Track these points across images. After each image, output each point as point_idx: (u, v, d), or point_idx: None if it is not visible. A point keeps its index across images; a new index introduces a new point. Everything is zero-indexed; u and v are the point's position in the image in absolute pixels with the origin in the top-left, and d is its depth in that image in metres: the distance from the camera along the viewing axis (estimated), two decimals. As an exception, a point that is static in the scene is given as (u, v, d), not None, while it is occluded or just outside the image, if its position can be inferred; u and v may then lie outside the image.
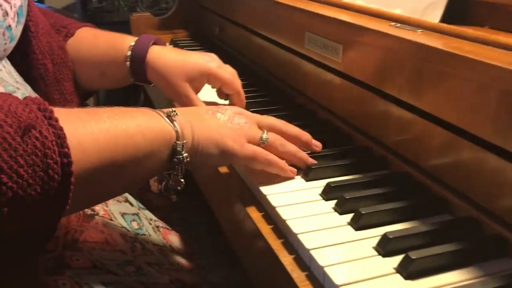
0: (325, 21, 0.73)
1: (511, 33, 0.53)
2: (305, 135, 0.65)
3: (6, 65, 0.62)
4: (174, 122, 0.53)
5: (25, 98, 0.43)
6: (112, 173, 0.48)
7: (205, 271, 0.74)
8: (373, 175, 0.60)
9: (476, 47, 0.51)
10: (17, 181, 0.38)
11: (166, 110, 0.54)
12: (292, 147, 0.62)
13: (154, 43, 0.77)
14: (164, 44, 0.82)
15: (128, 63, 0.75)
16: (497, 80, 0.45)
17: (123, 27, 1.45)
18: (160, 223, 0.80)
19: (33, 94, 0.67)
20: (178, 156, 0.53)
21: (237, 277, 0.75)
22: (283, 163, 0.60)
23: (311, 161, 0.62)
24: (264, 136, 0.60)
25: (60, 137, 0.41)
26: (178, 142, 0.52)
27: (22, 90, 0.64)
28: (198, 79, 0.74)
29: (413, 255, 0.44)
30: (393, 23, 0.63)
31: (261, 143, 0.59)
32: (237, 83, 0.76)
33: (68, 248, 0.63)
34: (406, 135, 0.60)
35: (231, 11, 1.14)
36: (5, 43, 0.54)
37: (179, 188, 0.56)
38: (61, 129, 0.41)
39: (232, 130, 0.58)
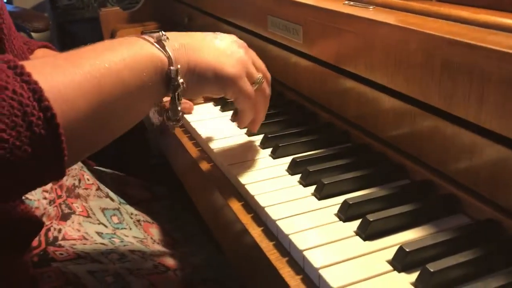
0: (284, 3, 0.75)
1: (453, 4, 0.56)
2: None
3: None
4: (165, 47, 0.50)
5: None
6: (105, 115, 0.45)
7: (187, 255, 0.77)
8: (336, 148, 0.63)
9: (421, 19, 0.54)
10: (3, 146, 0.36)
11: (156, 34, 0.51)
12: (268, 101, 0.62)
13: None
14: None
15: None
16: (438, 48, 0.48)
17: (94, 24, 1.46)
18: (142, 217, 0.82)
19: None
20: (174, 83, 0.50)
21: (218, 259, 0.78)
22: (260, 118, 0.62)
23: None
24: (260, 76, 0.58)
25: (36, 91, 0.38)
26: (171, 68, 0.49)
27: None
28: None
29: (371, 217, 0.47)
30: (346, 2, 0.66)
31: (254, 84, 0.58)
32: None
33: (51, 244, 0.65)
34: (364, 108, 0.62)
35: (198, 0, 1.15)
36: None
37: (178, 117, 0.54)
38: (35, 83, 0.39)
39: (232, 59, 0.56)
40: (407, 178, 0.57)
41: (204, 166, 0.67)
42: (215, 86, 0.55)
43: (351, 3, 0.65)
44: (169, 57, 0.49)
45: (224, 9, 1.00)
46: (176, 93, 0.51)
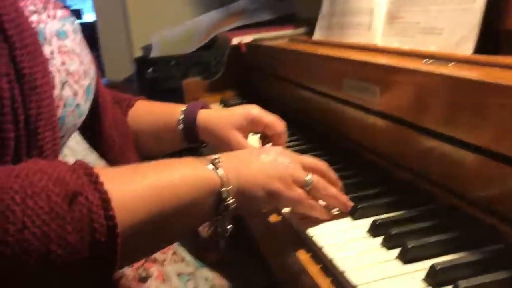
0: (360, 66, 0.75)
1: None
2: (341, 184, 0.65)
3: (75, 135, 0.68)
4: (219, 168, 0.54)
5: (74, 163, 0.46)
6: (159, 227, 0.48)
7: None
8: (419, 209, 0.60)
9: (506, 72, 0.52)
10: (65, 248, 0.39)
11: (209, 157, 0.55)
12: (334, 190, 0.62)
13: (202, 107, 0.83)
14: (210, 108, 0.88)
15: (180, 126, 0.81)
16: (529, 102, 0.45)
17: (177, 93, 1.54)
18: (216, 281, 0.81)
19: (98, 161, 0.72)
20: (225, 203, 0.53)
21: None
22: (325, 209, 0.61)
23: (351, 204, 0.62)
24: (309, 178, 0.60)
25: (105, 200, 0.42)
26: (223, 189, 0.53)
27: (90, 157, 0.70)
28: (244, 126, 0.78)
29: (463, 284, 0.43)
30: (425, 60, 0.65)
31: (306, 186, 0.59)
32: (280, 124, 0.78)
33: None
34: (448, 167, 0.59)
35: (275, 67, 1.19)
36: (75, 119, 0.59)
37: (227, 234, 0.56)
38: (106, 193, 0.42)
39: (277, 171, 0.58)
40: (498, 242, 0.52)
41: (281, 229, 0.66)
42: (266, 202, 0.59)
43: (430, 61, 0.64)
44: (221, 178, 0.53)
45: (300, 74, 1.02)
46: (227, 212, 0.54)
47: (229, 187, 0.53)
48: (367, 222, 0.59)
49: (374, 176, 0.72)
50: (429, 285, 0.46)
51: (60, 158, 0.60)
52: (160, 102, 0.90)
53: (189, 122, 0.81)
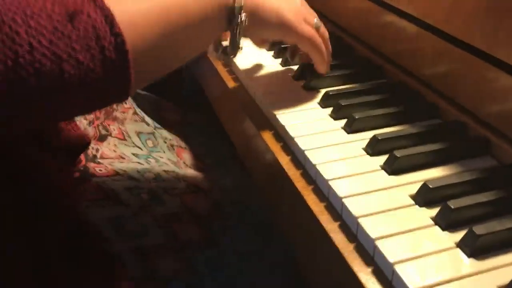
0: None
1: None
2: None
3: None
4: None
5: None
6: (168, 45, 0.47)
7: (217, 178, 0.80)
8: (370, 83, 0.63)
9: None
10: (78, 67, 0.38)
11: None
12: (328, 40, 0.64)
13: None
14: None
15: None
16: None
17: None
18: (175, 141, 0.84)
19: None
20: (236, 20, 0.52)
21: (246, 183, 0.81)
22: (326, 53, 0.63)
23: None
24: (317, 21, 0.61)
25: (108, 17, 0.40)
26: (236, 5, 0.51)
27: None
28: None
29: (398, 153, 0.48)
30: None
31: (314, 27, 0.61)
32: None
33: (91, 161, 0.69)
34: (402, 44, 0.62)
35: None
36: None
37: (236, 53, 0.57)
38: (108, 9, 0.40)
39: (290, 5, 0.58)
40: (438, 118, 0.57)
41: (238, 94, 0.68)
42: (276, 30, 0.58)
43: None
44: None
45: None
46: (237, 30, 0.53)
47: (242, 4, 0.52)
48: (320, 93, 0.62)
49: (334, 49, 0.74)
50: (368, 153, 0.51)
51: None
52: None
53: None
